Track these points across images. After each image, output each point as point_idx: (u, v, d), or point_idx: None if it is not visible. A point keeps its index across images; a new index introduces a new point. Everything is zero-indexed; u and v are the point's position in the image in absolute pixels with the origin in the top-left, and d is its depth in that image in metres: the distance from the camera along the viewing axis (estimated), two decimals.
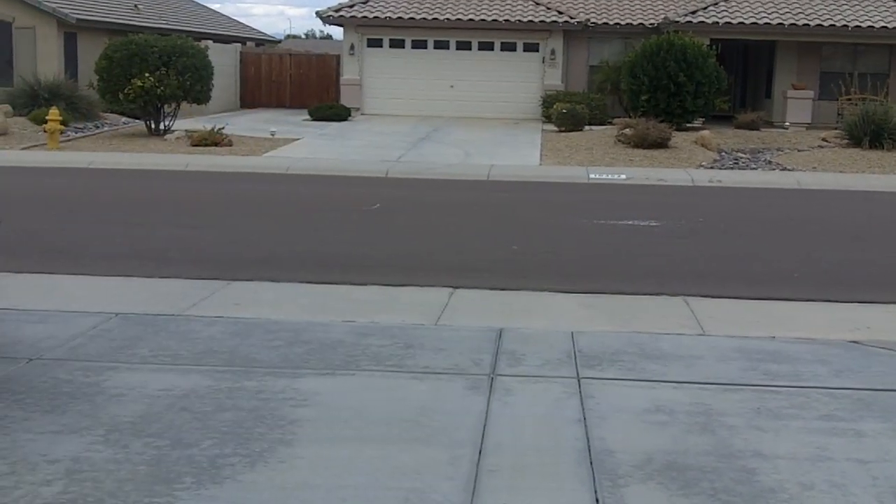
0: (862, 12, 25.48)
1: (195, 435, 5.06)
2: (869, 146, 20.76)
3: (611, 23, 27.59)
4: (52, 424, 5.16)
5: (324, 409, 5.48)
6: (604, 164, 19.13)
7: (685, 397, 5.82)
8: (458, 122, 26.21)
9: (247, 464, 4.71)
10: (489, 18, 27.26)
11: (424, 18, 27.41)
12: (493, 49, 28.08)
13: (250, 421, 5.27)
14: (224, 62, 28.24)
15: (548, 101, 25.94)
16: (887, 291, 8.98)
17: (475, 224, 12.63)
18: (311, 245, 10.82)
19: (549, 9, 27.54)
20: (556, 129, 23.76)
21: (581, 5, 28.74)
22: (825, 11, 25.54)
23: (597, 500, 4.41)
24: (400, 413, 5.45)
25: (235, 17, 41.14)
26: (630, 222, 12.89)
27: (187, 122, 22.58)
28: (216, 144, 20.21)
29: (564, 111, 23.71)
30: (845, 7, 25.79)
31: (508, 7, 27.84)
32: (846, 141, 21.50)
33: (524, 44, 27.97)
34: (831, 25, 24.99)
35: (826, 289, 9.06)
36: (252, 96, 31.05)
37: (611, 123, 23.77)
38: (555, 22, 27.20)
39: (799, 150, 21.23)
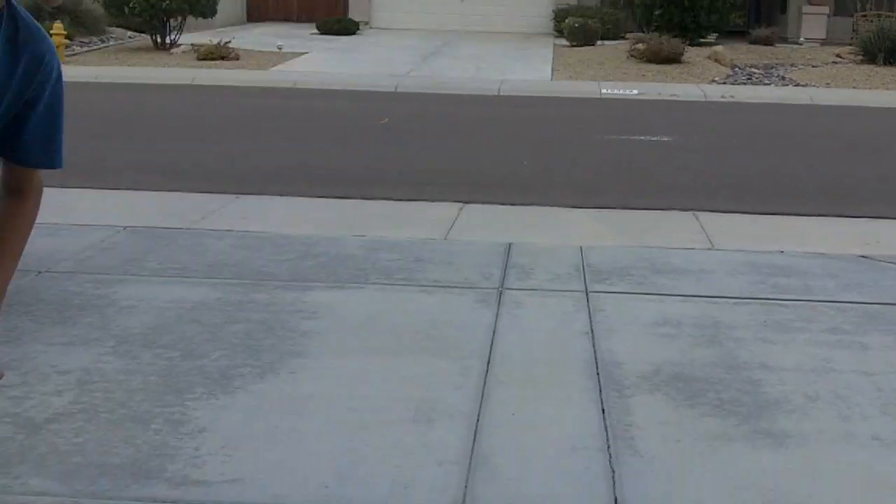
0: None
1: (205, 346, 5.11)
2: (883, 62, 20.46)
3: None
4: (62, 336, 5.21)
5: (334, 322, 5.51)
6: (616, 79, 18.92)
7: (693, 310, 5.84)
8: (468, 36, 25.89)
9: (257, 374, 4.76)
10: None
11: None
12: None
13: (260, 333, 5.31)
14: None
15: (559, 16, 25.52)
16: (894, 205, 8.94)
17: (485, 139, 12.56)
18: (319, 160, 10.79)
19: None
20: (567, 43, 23.44)
21: None
22: None
23: (603, 411, 4.45)
24: (409, 326, 5.48)
25: None
26: (641, 137, 12.81)
27: (193, 35, 22.33)
28: (223, 58, 20.02)
29: (577, 25, 23.36)
30: None
31: None
32: (860, 57, 21.19)
33: None
34: None
35: (837, 204, 9.03)
36: (259, 10, 30.63)
37: (623, 38, 23.41)
38: None
39: (813, 66, 20.95)
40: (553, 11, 26.48)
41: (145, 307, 5.68)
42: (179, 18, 21.54)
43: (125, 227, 7.41)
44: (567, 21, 23.94)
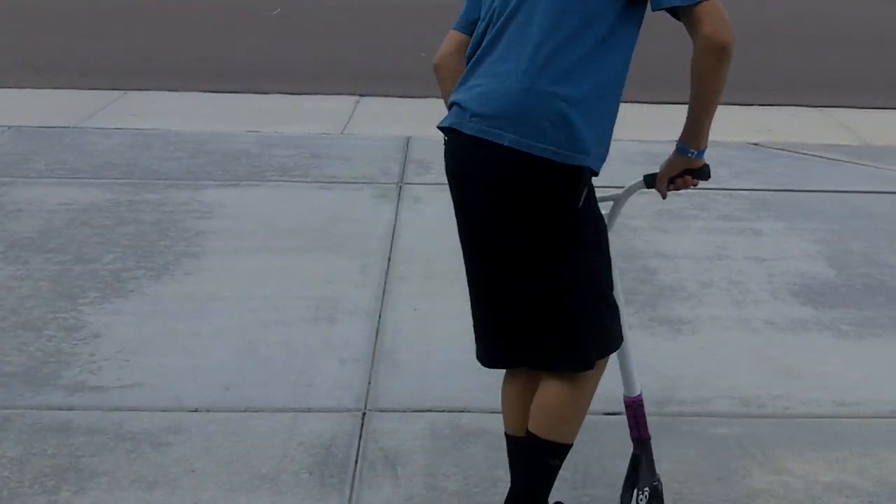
0: None
1: (97, 249, 4.97)
2: None
3: None
4: None
5: (229, 221, 5.41)
6: None
7: None
8: None
9: (152, 277, 4.66)
10: None
11: None
12: None
13: (153, 234, 5.19)
14: None
15: None
16: (789, 94, 9.10)
17: (381, 29, 12.32)
18: (210, 52, 10.46)
19: None
20: None
21: None
22: None
23: None
24: (308, 223, 5.41)
25: None
26: None
27: None
28: None
29: None
30: None
31: None
32: None
33: None
34: None
35: (729, 92, 9.08)
36: None
37: None
38: None
39: None
40: None
41: (33, 210, 5.50)
42: None
43: (9, 127, 7.12)
44: None
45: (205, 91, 8.59)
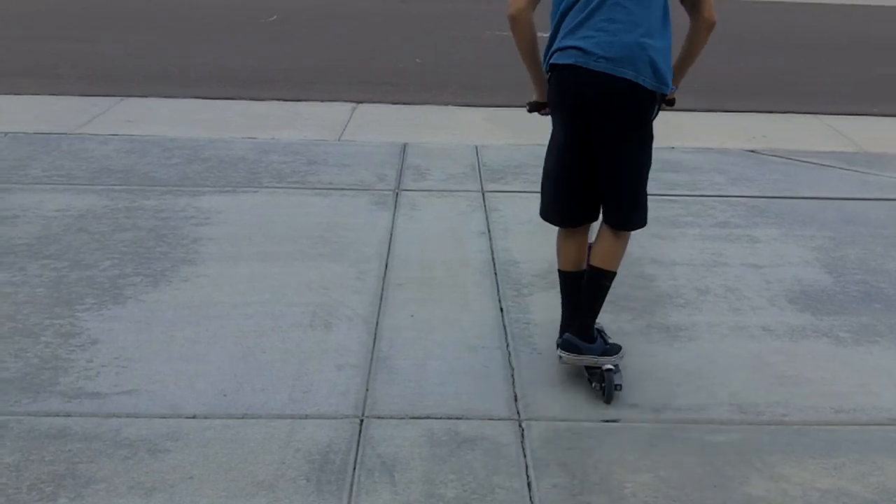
0: None
1: (94, 256, 4.97)
2: None
3: None
4: None
5: (226, 227, 5.41)
6: None
7: None
8: None
9: (149, 283, 4.66)
10: None
11: None
12: None
13: (151, 240, 5.18)
14: None
15: None
16: (785, 101, 9.12)
17: (377, 36, 12.34)
18: (207, 59, 10.47)
19: None
20: None
21: None
22: None
23: (501, 309, 4.49)
24: (305, 230, 5.41)
25: None
26: (539, 34, 12.73)
27: None
28: None
29: None
30: None
31: None
32: None
33: None
34: None
35: (726, 99, 9.17)
36: None
37: None
38: None
39: None
40: None
41: (30, 216, 5.49)
42: None
43: (6, 134, 7.12)
44: None
45: (201, 97, 8.59)
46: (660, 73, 3.59)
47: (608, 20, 3.58)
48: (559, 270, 4.03)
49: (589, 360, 3.78)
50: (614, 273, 3.92)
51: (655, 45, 3.58)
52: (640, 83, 3.56)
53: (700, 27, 3.77)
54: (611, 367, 3.75)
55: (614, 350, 3.82)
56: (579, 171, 3.80)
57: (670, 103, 3.92)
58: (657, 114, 3.77)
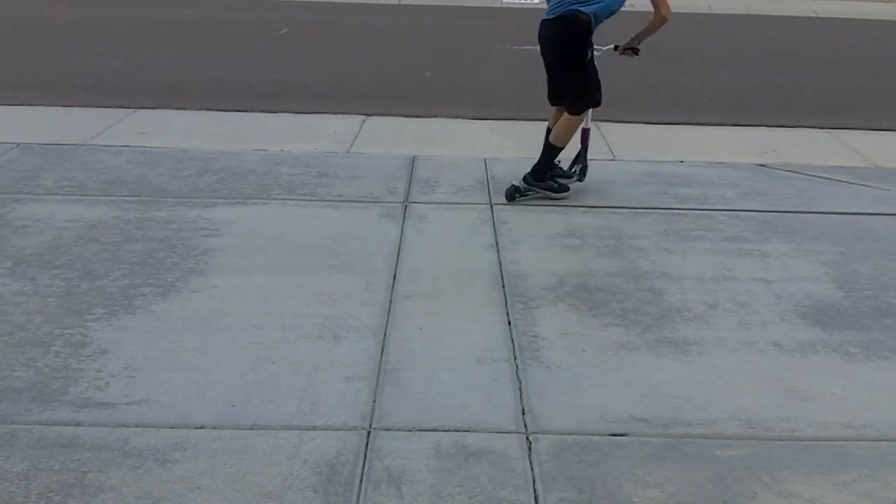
0: None
1: (105, 266, 4.98)
2: None
3: None
4: None
5: (237, 239, 5.42)
6: None
7: (596, 221, 5.91)
8: None
9: (159, 294, 4.67)
10: None
11: None
12: None
13: (161, 251, 5.20)
14: None
15: None
16: (795, 115, 9.12)
17: (387, 49, 12.38)
18: (219, 72, 10.52)
19: None
20: None
21: None
22: None
23: (509, 323, 4.49)
24: (314, 242, 5.42)
25: None
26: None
27: None
28: None
29: None
30: None
31: None
32: None
33: None
34: None
35: (735, 113, 9.17)
36: None
37: None
38: None
39: None
40: None
41: (42, 227, 5.51)
42: None
43: (18, 144, 7.15)
44: None
45: (213, 110, 8.63)
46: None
47: None
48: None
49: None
50: (555, 147, 6.28)
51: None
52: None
53: (658, 21, 6.14)
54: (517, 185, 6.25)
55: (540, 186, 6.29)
56: (550, 73, 6.38)
57: (637, 51, 6.43)
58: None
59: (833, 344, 4.39)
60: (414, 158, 7.15)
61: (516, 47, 12.83)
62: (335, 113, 8.67)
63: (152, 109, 8.53)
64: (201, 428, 3.53)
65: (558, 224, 5.84)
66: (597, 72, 6.23)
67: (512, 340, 4.31)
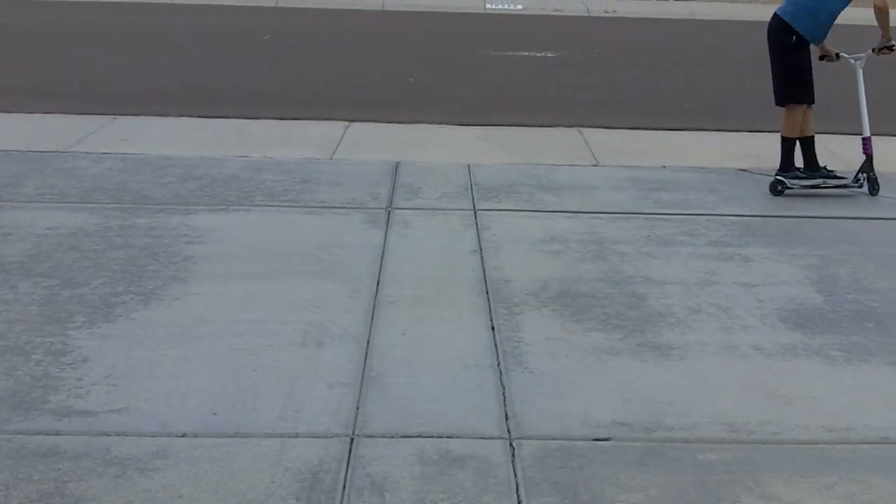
0: None
1: (86, 274, 4.96)
2: None
3: None
4: None
5: (218, 246, 5.41)
6: None
7: (579, 226, 5.91)
8: None
9: (140, 301, 4.65)
10: None
11: None
12: None
13: (143, 258, 5.18)
14: None
15: None
16: (774, 119, 9.13)
17: (370, 55, 12.38)
18: (200, 78, 10.49)
19: None
20: None
21: None
22: None
23: (493, 328, 4.48)
24: (297, 248, 5.41)
25: None
26: (527, 53, 12.80)
27: None
28: None
29: None
30: None
31: None
32: None
33: None
34: None
35: (717, 118, 9.20)
36: None
37: None
38: None
39: None
40: None
41: (22, 234, 5.48)
42: None
43: None
44: None
45: (195, 116, 8.61)
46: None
47: None
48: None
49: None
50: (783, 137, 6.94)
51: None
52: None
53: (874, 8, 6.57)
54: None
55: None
56: None
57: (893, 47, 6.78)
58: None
59: (814, 347, 4.41)
60: (397, 164, 7.15)
61: (498, 53, 12.85)
62: (318, 119, 8.66)
63: (134, 116, 8.50)
64: (183, 436, 3.51)
65: (541, 229, 5.84)
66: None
67: (495, 346, 4.31)
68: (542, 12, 17.00)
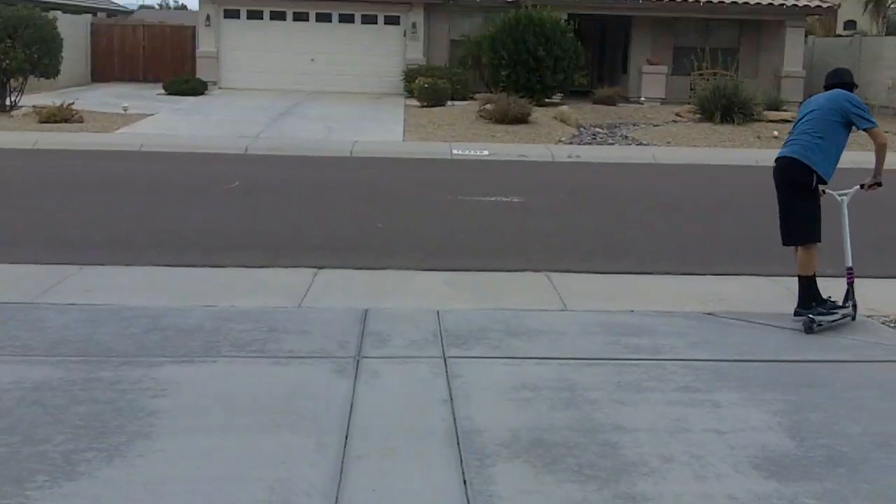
0: None
1: (48, 430, 4.85)
2: (720, 120, 21.43)
3: None
4: None
5: (184, 399, 5.32)
6: (466, 139, 19.22)
7: (549, 373, 5.89)
8: (319, 96, 25.92)
9: (104, 459, 4.54)
10: None
11: None
12: (353, 21, 27.87)
13: (107, 413, 5.08)
14: (74, 33, 27.15)
15: (410, 76, 25.81)
16: (739, 263, 9.28)
17: (339, 202, 12.50)
18: (168, 226, 10.52)
19: None
20: (418, 104, 23.71)
21: None
22: None
23: (465, 482, 4.41)
24: (263, 400, 5.34)
25: None
26: (493, 198, 12.98)
27: (36, 97, 21.68)
28: (66, 121, 19.48)
29: (426, 86, 23.65)
30: None
31: None
32: (699, 115, 22.14)
33: (385, 16, 27.84)
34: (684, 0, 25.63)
35: (681, 262, 9.31)
36: (104, 69, 29.98)
37: (473, 98, 23.82)
38: None
39: (654, 125, 21.76)
40: (403, 71, 26.75)
41: None
42: (20, 79, 20.88)
43: None
44: (417, 81, 24.22)
45: (162, 265, 8.59)
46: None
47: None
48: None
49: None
50: (804, 276, 7.16)
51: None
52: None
53: (876, 147, 7.02)
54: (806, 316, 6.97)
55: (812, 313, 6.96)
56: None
57: (880, 184, 7.24)
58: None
59: (788, 496, 4.36)
60: (366, 311, 7.14)
61: (466, 198, 13.01)
62: (286, 266, 8.67)
63: (100, 266, 8.47)
64: None
65: (511, 376, 5.81)
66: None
67: (468, 500, 4.22)
68: (508, 157, 17.32)
